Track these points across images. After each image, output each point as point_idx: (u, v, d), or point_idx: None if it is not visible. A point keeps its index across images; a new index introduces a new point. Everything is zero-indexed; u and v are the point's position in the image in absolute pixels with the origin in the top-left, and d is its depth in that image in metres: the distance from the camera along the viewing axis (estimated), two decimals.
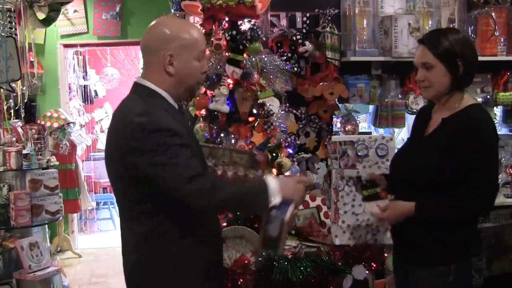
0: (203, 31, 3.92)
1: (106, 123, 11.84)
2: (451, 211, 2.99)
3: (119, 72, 11.32)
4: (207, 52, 3.65)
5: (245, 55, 4.04)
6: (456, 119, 3.00)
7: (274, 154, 3.98)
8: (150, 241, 2.70)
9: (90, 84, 10.94)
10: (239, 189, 2.76)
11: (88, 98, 10.72)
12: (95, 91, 11.38)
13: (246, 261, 3.72)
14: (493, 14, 4.63)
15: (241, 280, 3.64)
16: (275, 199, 2.71)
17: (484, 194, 2.93)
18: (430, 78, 3.02)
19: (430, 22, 4.54)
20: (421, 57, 3.05)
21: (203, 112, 3.98)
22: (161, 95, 2.72)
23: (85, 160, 10.76)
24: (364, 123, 5.24)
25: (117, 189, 2.78)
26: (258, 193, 2.72)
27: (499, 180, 4.57)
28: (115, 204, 10.75)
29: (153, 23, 2.80)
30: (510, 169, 4.75)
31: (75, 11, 8.45)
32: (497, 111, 5.16)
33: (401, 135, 5.29)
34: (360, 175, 3.52)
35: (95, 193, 10.70)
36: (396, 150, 3.54)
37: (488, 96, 4.79)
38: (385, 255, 4.04)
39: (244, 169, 3.68)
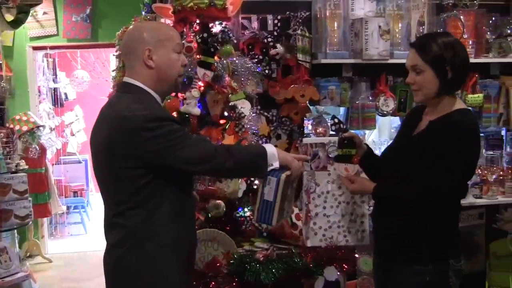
0: None
1: (77, 126, 11.77)
2: (398, 194, 3.08)
3: (90, 75, 11.26)
4: None
5: (216, 57, 4.05)
6: (442, 123, 3.04)
7: None
8: (141, 231, 2.75)
9: (60, 87, 10.85)
10: (245, 151, 2.94)
11: (58, 101, 10.64)
12: (65, 94, 11.30)
13: (218, 264, 3.73)
14: (461, 17, 4.67)
15: (213, 283, 3.66)
16: (274, 163, 2.90)
17: (429, 189, 2.96)
18: (419, 81, 3.07)
19: (400, 25, 4.57)
20: (411, 61, 3.09)
21: (174, 115, 3.94)
22: (149, 93, 2.83)
23: (55, 164, 10.67)
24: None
25: (109, 184, 2.84)
26: (258, 156, 2.88)
27: (468, 182, 4.60)
28: (86, 208, 10.80)
29: (129, 27, 2.89)
30: (479, 170, 4.78)
31: (44, 13, 8.38)
32: None
33: (372, 136, 5.33)
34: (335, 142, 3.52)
35: (65, 197, 10.60)
36: None
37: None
38: (357, 256, 4.07)
39: None
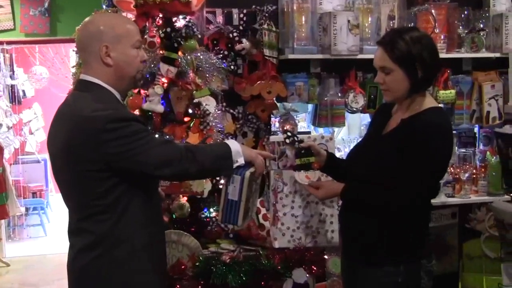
0: None
1: (35, 125, 11.67)
2: (366, 199, 3.08)
3: (49, 71, 11.17)
4: None
5: (180, 53, 4.03)
6: (413, 121, 3.01)
7: None
8: (110, 237, 2.73)
9: (17, 83, 10.76)
10: (210, 153, 2.88)
11: (15, 98, 10.55)
12: (23, 91, 11.22)
13: (183, 267, 3.73)
14: (433, 11, 4.67)
15: (178, 286, 3.67)
16: (239, 160, 2.90)
17: (397, 196, 2.97)
18: (388, 82, 3.05)
19: (369, 19, 4.56)
20: (380, 60, 3.06)
21: (136, 112, 3.92)
22: (109, 91, 2.80)
23: (13, 164, 10.59)
24: (303, 123, 5.24)
25: (71, 188, 2.79)
26: (223, 156, 2.87)
27: (441, 180, 4.62)
28: (46, 209, 10.73)
29: (85, 20, 2.89)
30: (451, 168, 4.79)
31: (0, 6, 8.29)
32: None
33: (341, 134, 5.31)
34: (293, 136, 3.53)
35: (24, 198, 10.48)
36: (336, 150, 3.56)
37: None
38: (326, 257, 4.08)
39: None
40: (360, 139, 3.88)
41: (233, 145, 2.91)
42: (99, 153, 2.62)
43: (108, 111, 2.63)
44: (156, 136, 3.00)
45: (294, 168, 3.45)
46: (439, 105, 3.28)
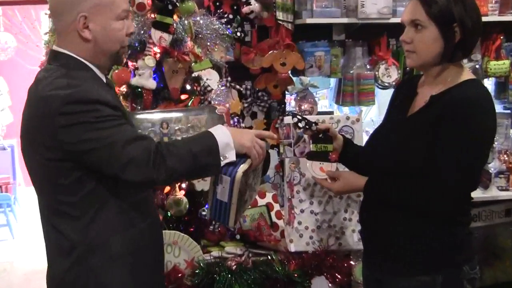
0: None
1: (0, 103, 11.67)
2: (398, 198, 3.03)
3: (16, 39, 11.18)
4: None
5: (175, 17, 4.01)
6: (446, 97, 2.96)
7: None
8: (84, 241, 2.73)
9: None
10: (188, 153, 2.72)
11: None
12: None
13: (180, 274, 3.76)
14: None
15: None
16: (229, 155, 2.81)
17: (441, 188, 2.90)
18: (417, 41, 2.99)
19: None
20: (411, 13, 3.01)
21: (123, 88, 3.96)
22: (85, 65, 2.77)
23: None
24: (324, 101, 5.28)
25: (39, 180, 2.80)
26: (206, 154, 2.75)
27: (492, 171, 4.61)
28: (13, 206, 10.74)
29: None
30: (505, 156, 4.75)
31: None
32: (488, 84, 5.15)
33: (370, 115, 5.32)
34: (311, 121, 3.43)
35: None
36: (364, 134, 3.60)
37: (477, 66, 4.73)
38: (352, 263, 4.04)
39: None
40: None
41: (221, 135, 2.81)
42: (56, 140, 2.61)
43: (69, 90, 2.59)
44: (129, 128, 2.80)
45: (308, 156, 3.42)
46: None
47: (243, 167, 2.84)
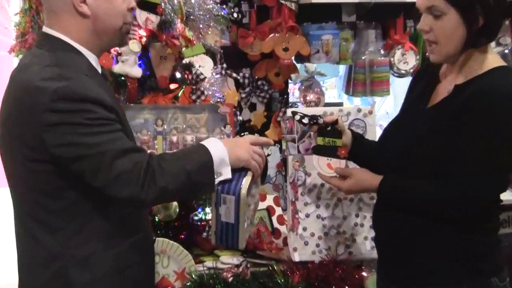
0: None
1: None
2: (418, 201, 2.99)
3: None
4: None
5: None
6: (472, 87, 2.91)
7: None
8: (64, 254, 2.67)
9: None
10: (181, 170, 2.68)
11: None
12: None
13: (169, 287, 3.73)
14: None
15: None
16: (224, 172, 2.76)
17: (466, 191, 2.86)
18: (437, 30, 2.94)
19: None
20: None
21: None
22: (79, 52, 2.71)
23: None
24: (332, 90, 5.29)
25: (18, 183, 2.74)
26: (202, 168, 2.71)
27: None
28: None
29: None
30: None
31: None
32: None
33: (385, 106, 5.41)
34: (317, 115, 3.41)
35: None
36: (378, 128, 3.60)
37: (506, 51, 4.78)
38: (364, 274, 3.95)
39: (207, 129, 3.85)
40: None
41: (215, 149, 2.77)
42: (39, 139, 2.54)
43: (60, 83, 2.51)
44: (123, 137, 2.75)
45: (313, 150, 3.41)
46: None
47: (246, 183, 2.81)
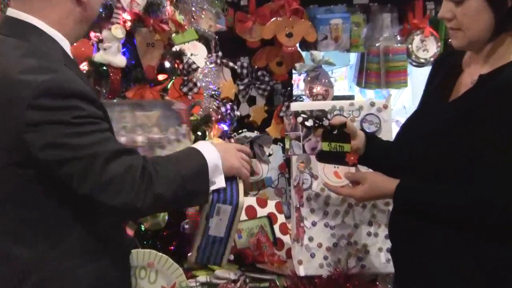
0: None
1: None
2: (442, 207, 2.89)
3: None
4: None
5: None
6: (500, 78, 2.82)
7: (199, 133, 3.94)
8: (42, 269, 2.60)
9: None
10: (176, 171, 2.68)
11: None
12: None
13: None
14: None
15: None
16: (217, 180, 2.79)
17: (492, 197, 2.77)
18: (460, 16, 2.84)
19: None
20: None
21: (84, 66, 3.79)
22: (52, 39, 2.63)
23: None
24: (342, 82, 5.29)
25: None
26: (197, 174, 2.72)
27: None
28: None
29: None
30: None
31: None
32: None
33: (402, 100, 5.39)
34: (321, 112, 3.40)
35: None
36: (394, 124, 3.53)
37: None
38: None
39: (160, 129, 3.65)
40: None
41: (208, 153, 2.78)
42: (20, 140, 2.44)
43: (42, 76, 2.43)
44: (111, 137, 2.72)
45: (318, 157, 3.32)
46: None
47: (241, 191, 2.84)
